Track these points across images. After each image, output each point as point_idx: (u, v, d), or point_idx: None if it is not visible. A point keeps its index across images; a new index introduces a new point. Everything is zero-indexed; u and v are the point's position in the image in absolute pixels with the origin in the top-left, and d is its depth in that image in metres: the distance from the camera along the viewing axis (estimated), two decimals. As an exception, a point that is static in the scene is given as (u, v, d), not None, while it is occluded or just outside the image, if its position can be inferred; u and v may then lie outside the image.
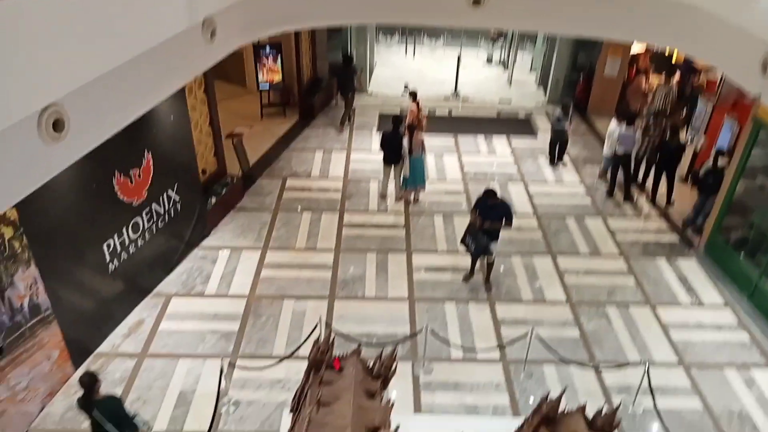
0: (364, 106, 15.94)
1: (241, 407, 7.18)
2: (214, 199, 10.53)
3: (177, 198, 9.21)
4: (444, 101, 16.67)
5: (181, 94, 8.90)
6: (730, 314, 9.05)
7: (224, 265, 9.66)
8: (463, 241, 9.11)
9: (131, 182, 8.09)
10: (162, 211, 8.92)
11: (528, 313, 8.90)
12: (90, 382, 5.75)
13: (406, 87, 16.15)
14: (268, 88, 14.50)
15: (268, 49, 13.94)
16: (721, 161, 10.38)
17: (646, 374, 7.02)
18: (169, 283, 9.24)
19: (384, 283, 9.41)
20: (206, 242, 10.21)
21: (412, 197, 11.68)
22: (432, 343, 7.92)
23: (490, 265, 9.27)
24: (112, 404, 5.90)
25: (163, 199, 8.88)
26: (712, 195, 10.37)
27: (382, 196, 11.77)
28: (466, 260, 9.63)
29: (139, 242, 8.51)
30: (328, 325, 8.04)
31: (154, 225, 8.77)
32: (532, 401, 7.33)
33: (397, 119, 11.38)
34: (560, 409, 5.59)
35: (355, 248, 10.22)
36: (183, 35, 5.64)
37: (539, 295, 9.30)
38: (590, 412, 5.72)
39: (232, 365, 7.51)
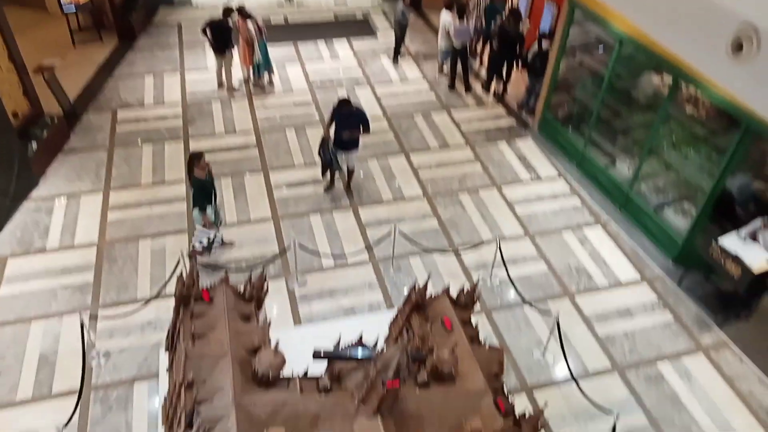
0: (190, 19, 14.66)
1: (113, 356, 6.86)
2: (35, 144, 9.36)
3: (-12, 148, 8.08)
4: (278, 8, 15.85)
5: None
6: (563, 183, 10.10)
7: (63, 214, 8.80)
8: (319, 153, 9.07)
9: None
10: (-28, 166, 7.81)
11: (390, 213, 9.25)
12: (192, 157, 7.46)
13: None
14: (74, 9, 12.76)
15: (64, -38, 12.15)
16: (545, 44, 11.08)
17: (498, 249, 7.71)
18: (2, 243, 8.27)
19: (244, 206, 9.19)
20: (36, 193, 9.16)
21: (266, 81, 12.23)
22: (302, 256, 8.00)
23: (350, 173, 9.38)
24: (200, 184, 7.49)
25: (-30, 152, 7.75)
26: (540, 77, 11.15)
27: (221, 85, 12.05)
28: (323, 170, 9.65)
29: (-48, 204, 7.43)
30: (191, 257, 7.77)
31: (-35, 182, 7.67)
32: (404, 292, 7.81)
33: (228, 9, 11.25)
34: (428, 295, 6.02)
35: (208, 174, 9.76)
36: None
37: (398, 194, 9.67)
38: (454, 292, 6.24)
39: (93, 317, 7.06)
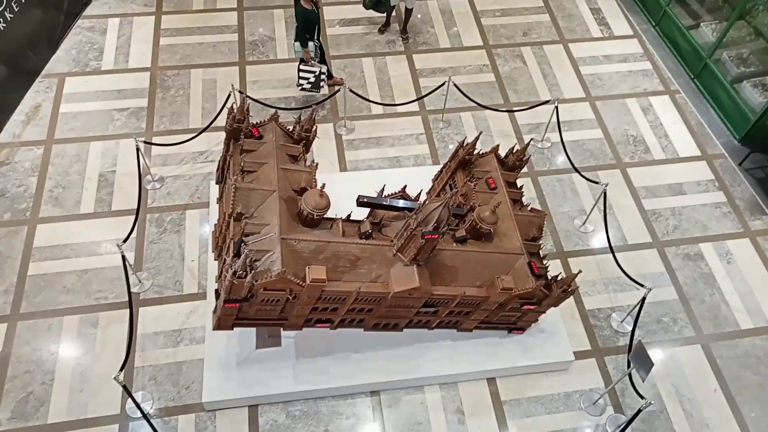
0: None
1: (167, 182, 7.19)
2: (84, -43, 9.03)
3: (38, -42, 7.85)
4: None
5: None
6: (636, 44, 9.31)
7: (116, 36, 8.73)
8: None
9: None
10: (24, -24, 7.66)
11: (446, 62, 8.82)
12: None
13: None
14: None
15: None
16: None
17: (555, 112, 7.38)
18: (59, 61, 8.37)
19: (296, 41, 8.88)
20: (90, 10, 9.03)
21: None
22: (352, 100, 7.86)
23: (408, 12, 8.80)
24: (305, 14, 7.11)
25: (20, -39, 7.56)
26: None
27: None
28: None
29: (8, 16, 7.42)
30: (242, 92, 7.73)
31: (19, -6, 7.59)
32: (452, 147, 7.70)
33: None
34: (475, 152, 5.93)
35: (260, 4, 9.36)
36: None
37: (456, 42, 9.13)
38: (503, 152, 6.12)
39: (148, 142, 7.29)
